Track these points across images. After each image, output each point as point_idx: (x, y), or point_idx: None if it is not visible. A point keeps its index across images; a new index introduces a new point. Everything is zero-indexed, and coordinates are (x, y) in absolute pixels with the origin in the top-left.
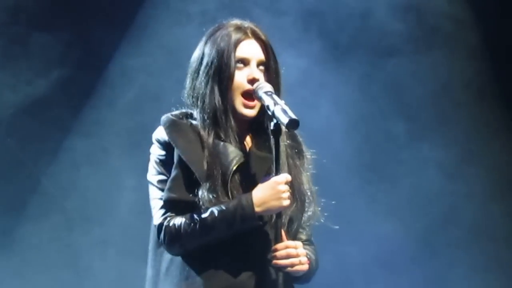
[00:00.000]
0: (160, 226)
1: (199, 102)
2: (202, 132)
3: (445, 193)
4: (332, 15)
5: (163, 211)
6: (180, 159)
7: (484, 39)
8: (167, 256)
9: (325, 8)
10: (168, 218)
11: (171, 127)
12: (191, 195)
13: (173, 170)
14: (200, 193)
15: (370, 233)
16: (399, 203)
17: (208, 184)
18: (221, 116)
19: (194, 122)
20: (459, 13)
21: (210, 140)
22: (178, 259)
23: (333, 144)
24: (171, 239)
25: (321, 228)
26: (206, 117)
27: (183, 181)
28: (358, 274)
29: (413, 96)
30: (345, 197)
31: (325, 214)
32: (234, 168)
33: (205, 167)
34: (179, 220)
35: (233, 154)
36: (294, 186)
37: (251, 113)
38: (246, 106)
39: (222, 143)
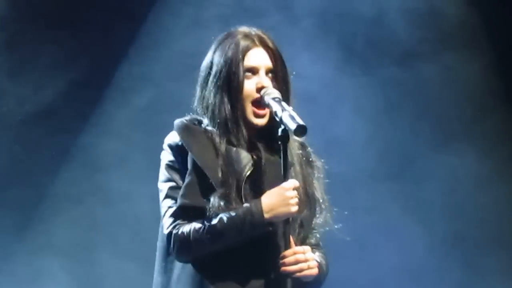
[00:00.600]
0: (169, 234)
1: (209, 111)
2: (215, 138)
3: (473, 200)
4: (351, 20)
5: (172, 219)
6: (194, 164)
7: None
8: (178, 263)
9: (344, 13)
10: (177, 226)
11: (185, 131)
12: (205, 201)
13: (187, 175)
14: (212, 199)
15: (400, 240)
16: (426, 211)
17: (222, 190)
18: (232, 125)
19: (208, 128)
20: (476, 17)
21: (223, 146)
22: (189, 266)
23: (356, 153)
24: (180, 246)
25: (352, 236)
26: (217, 126)
27: (198, 187)
28: (389, 283)
29: (438, 101)
30: (373, 205)
31: (339, 225)
32: (248, 174)
33: (220, 173)
34: (188, 228)
35: (245, 160)
36: (306, 192)
37: (261, 122)
38: (256, 115)
39: (234, 149)
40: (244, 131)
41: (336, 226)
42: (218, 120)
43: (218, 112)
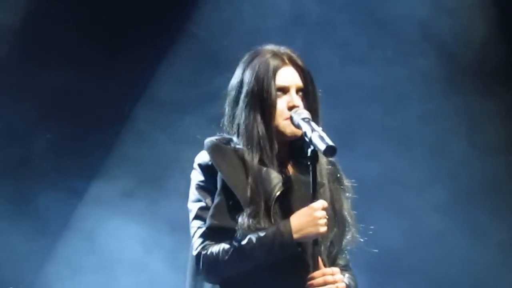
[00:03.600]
0: (198, 254)
1: (241, 130)
2: (246, 157)
3: None
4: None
5: (201, 239)
6: (223, 184)
7: None
8: (207, 285)
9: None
10: (206, 246)
11: (215, 151)
12: (234, 221)
13: (216, 196)
14: (240, 219)
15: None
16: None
17: (250, 210)
18: (264, 143)
19: (238, 147)
20: None
21: (254, 166)
22: (218, 287)
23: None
24: (209, 267)
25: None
26: (250, 145)
27: (227, 208)
28: None
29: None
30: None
31: (364, 239)
32: (277, 194)
33: (249, 193)
34: (217, 248)
35: (276, 180)
36: (334, 210)
37: (297, 131)
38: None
39: (265, 168)
40: (276, 149)
41: (361, 240)
42: (252, 139)
43: (251, 130)
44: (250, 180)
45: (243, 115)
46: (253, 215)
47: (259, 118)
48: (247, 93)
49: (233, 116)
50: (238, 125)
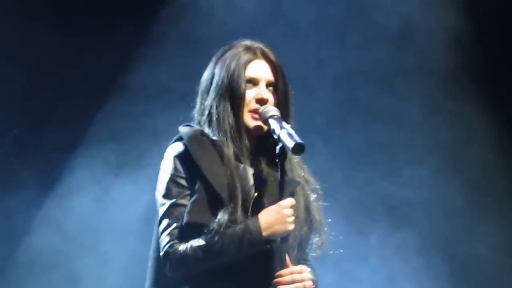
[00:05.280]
0: (166, 252)
1: (213, 121)
2: (224, 150)
3: None
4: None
5: (169, 237)
6: (204, 180)
7: None
8: (172, 282)
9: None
10: (174, 245)
11: (195, 143)
12: (211, 218)
13: (195, 191)
14: (220, 215)
15: None
16: None
17: (229, 208)
18: (235, 134)
19: (214, 138)
20: None
21: (232, 161)
22: (184, 283)
23: None
24: (177, 265)
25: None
26: (223, 136)
27: (206, 204)
28: None
29: None
30: None
31: (341, 251)
32: (255, 194)
33: (228, 190)
34: (184, 246)
35: (253, 179)
36: (308, 211)
37: (258, 123)
38: (255, 118)
39: (242, 165)
40: (246, 141)
41: (341, 251)
42: (224, 129)
43: (222, 120)
44: (229, 177)
45: (214, 106)
46: (231, 214)
47: (229, 108)
48: (217, 84)
49: (203, 107)
50: (210, 115)
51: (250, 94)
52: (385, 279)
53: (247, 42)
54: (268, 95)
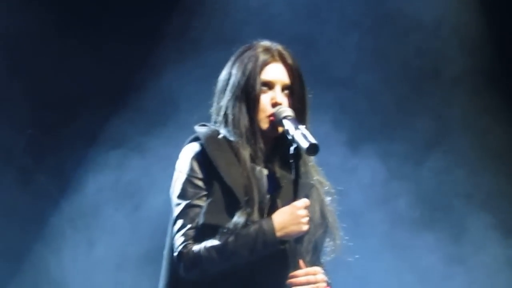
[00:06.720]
0: (180, 253)
1: (229, 121)
2: (240, 153)
3: None
4: None
5: (184, 238)
6: (221, 181)
7: None
8: (187, 282)
9: None
10: (188, 245)
11: (212, 144)
12: (228, 220)
13: (212, 192)
14: (236, 217)
15: None
16: None
17: (246, 210)
18: (250, 136)
19: (230, 138)
20: None
21: (248, 163)
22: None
23: None
24: (190, 265)
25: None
26: (237, 136)
27: (223, 206)
28: None
29: None
30: None
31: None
32: (271, 197)
33: (245, 192)
34: (198, 246)
35: (268, 181)
36: (323, 214)
37: (276, 128)
38: (271, 122)
39: (258, 168)
40: (261, 144)
41: (350, 259)
42: (238, 130)
43: (238, 121)
44: (246, 179)
45: (230, 107)
46: (249, 214)
47: (244, 110)
48: (233, 85)
49: (220, 107)
50: (226, 115)
51: (265, 98)
52: None
53: (266, 43)
54: (282, 99)
